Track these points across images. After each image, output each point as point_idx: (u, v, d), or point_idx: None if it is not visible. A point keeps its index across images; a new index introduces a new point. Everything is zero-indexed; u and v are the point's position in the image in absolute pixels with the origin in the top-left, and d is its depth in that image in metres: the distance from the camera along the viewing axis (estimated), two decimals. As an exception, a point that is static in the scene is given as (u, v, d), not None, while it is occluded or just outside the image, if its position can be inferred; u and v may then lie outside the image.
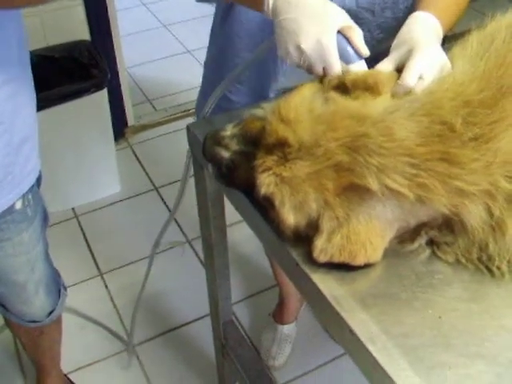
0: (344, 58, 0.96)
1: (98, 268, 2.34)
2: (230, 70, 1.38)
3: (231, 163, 0.95)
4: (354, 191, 0.84)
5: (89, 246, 2.42)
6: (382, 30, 1.29)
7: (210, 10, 3.99)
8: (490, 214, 0.84)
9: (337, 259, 0.86)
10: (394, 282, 0.88)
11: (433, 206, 0.84)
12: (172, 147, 2.82)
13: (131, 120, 2.89)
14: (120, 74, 2.69)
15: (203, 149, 0.99)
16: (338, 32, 0.96)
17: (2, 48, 1.07)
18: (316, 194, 0.85)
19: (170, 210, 2.53)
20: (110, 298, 2.24)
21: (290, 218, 0.87)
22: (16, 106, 1.16)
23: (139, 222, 2.50)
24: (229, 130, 0.97)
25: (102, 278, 2.31)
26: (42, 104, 2.09)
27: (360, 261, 0.87)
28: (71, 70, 2.29)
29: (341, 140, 0.84)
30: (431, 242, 0.91)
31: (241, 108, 1.24)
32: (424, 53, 0.94)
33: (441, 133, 0.82)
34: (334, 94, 0.91)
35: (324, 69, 0.96)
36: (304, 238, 0.89)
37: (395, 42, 0.99)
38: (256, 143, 0.91)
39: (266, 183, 0.87)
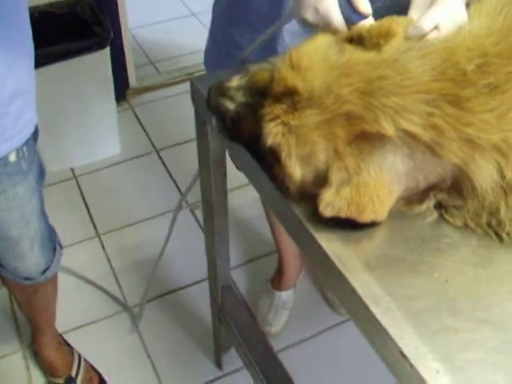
0: (348, 19, 0.94)
1: (95, 229, 2.32)
2: (243, 18, 1.35)
3: (236, 115, 0.92)
4: (366, 140, 0.80)
5: (87, 206, 2.40)
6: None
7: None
8: (502, 175, 0.81)
9: (344, 213, 0.82)
10: (400, 244, 0.85)
11: (444, 156, 0.80)
12: (174, 110, 2.77)
13: (133, 81, 2.85)
14: (123, 34, 2.63)
15: (207, 100, 0.95)
16: None
17: None
18: (326, 144, 0.81)
19: (169, 173, 2.50)
20: (107, 259, 2.22)
21: (297, 171, 0.83)
22: (10, 57, 1.12)
23: (138, 185, 2.47)
24: (235, 81, 0.93)
25: (100, 239, 2.28)
26: (43, 61, 2.06)
27: (367, 216, 0.83)
28: (73, 28, 2.24)
29: (354, 85, 0.80)
30: (439, 205, 0.88)
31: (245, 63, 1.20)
32: (445, 4, 0.91)
33: (454, 77, 0.79)
34: (348, 46, 0.88)
35: (332, 31, 0.94)
36: (309, 195, 0.86)
37: None
38: (263, 94, 0.87)
39: (273, 133, 0.83)
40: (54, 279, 1.65)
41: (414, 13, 0.95)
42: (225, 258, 1.51)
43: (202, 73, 2.92)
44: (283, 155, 0.83)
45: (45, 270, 1.53)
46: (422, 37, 0.88)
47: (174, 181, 2.47)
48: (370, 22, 0.94)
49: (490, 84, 0.78)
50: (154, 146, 2.62)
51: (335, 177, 0.82)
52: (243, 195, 2.16)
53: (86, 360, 1.90)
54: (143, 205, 2.38)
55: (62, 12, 2.25)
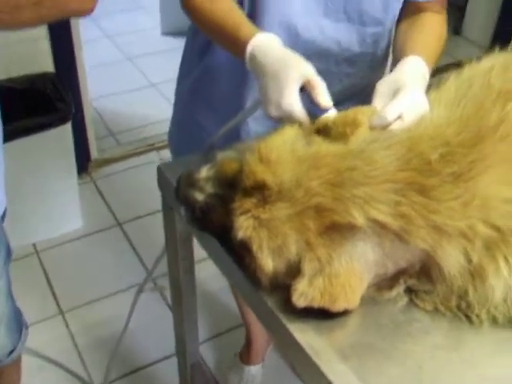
0: (311, 114, 0.97)
1: (58, 306, 2.26)
2: (207, 101, 1.38)
3: (206, 206, 0.93)
4: (337, 230, 0.82)
5: (49, 283, 2.34)
6: (349, 64, 1.31)
7: (174, 43, 4.01)
8: (469, 259, 0.83)
9: (317, 303, 0.83)
10: (373, 330, 0.86)
11: (412, 243, 0.82)
12: (136, 182, 2.77)
13: (94, 154, 2.85)
14: (84, 107, 2.64)
15: (176, 190, 0.96)
16: (302, 88, 0.99)
17: None
18: (297, 236, 0.83)
19: (133, 247, 2.48)
20: (71, 337, 2.16)
21: (269, 263, 0.84)
22: None
23: (102, 259, 2.44)
24: (204, 172, 0.95)
25: (63, 316, 2.23)
26: (4, 137, 2.04)
27: (340, 305, 0.84)
28: (35, 103, 2.24)
29: (324, 177, 0.83)
30: (409, 290, 0.90)
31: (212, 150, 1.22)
32: (408, 94, 0.96)
33: (418, 166, 0.82)
34: (316, 138, 0.90)
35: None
36: (280, 286, 0.87)
37: (383, 81, 1.02)
38: (232, 186, 0.89)
39: (243, 226, 0.84)
40: (18, 360, 1.59)
41: (377, 102, 0.98)
42: (194, 336, 1.50)
43: (164, 143, 2.99)
44: (254, 248, 0.84)
45: (11, 352, 1.47)
46: (386, 126, 0.91)
47: (138, 255, 2.45)
48: (332, 113, 0.97)
49: (454, 173, 0.81)
50: (116, 219, 2.60)
51: (307, 267, 0.83)
52: (208, 268, 2.14)
53: None
54: (107, 280, 2.34)
55: (23, 87, 2.25)
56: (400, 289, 0.89)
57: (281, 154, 0.87)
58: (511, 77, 0.93)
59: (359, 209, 0.81)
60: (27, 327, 1.53)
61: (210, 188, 0.92)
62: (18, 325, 1.48)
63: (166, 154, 2.98)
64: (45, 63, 2.40)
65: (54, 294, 2.30)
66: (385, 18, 1.26)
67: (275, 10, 1.21)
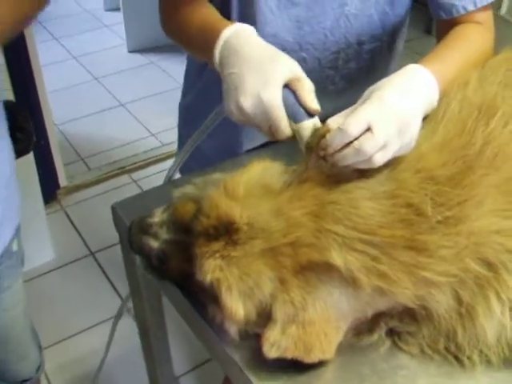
0: (292, 116, 0.83)
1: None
2: (199, 119, 1.28)
3: (162, 254, 0.84)
4: (313, 271, 0.74)
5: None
6: (347, 81, 1.22)
7: (142, 60, 3.92)
8: (459, 300, 0.76)
9: (290, 354, 0.75)
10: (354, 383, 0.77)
11: (394, 300, 0.74)
12: (108, 208, 2.66)
13: (63, 181, 2.74)
14: (48, 132, 2.54)
15: (129, 239, 0.87)
16: (286, 86, 0.84)
17: None
18: (270, 273, 0.74)
19: (107, 276, 2.37)
20: (46, 378, 2.05)
21: (239, 308, 0.75)
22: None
23: (76, 292, 2.33)
24: (157, 217, 0.85)
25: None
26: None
27: (315, 356, 0.75)
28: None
29: (308, 208, 0.75)
30: (391, 332, 0.81)
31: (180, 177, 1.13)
32: (378, 99, 0.77)
33: (406, 217, 0.74)
34: (291, 168, 0.82)
35: (270, 127, 0.84)
36: (250, 335, 0.78)
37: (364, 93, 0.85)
38: (190, 230, 0.80)
39: (210, 268, 0.75)
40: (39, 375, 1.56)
41: (342, 114, 0.82)
42: (168, 376, 1.40)
43: (136, 165, 2.89)
44: (223, 290, 0.75)
45: (38, 367, 1.46)
46: (350, 142, 0.75)
47: (113, 284, 2.34)
48: (314, 122, 0.83)
49: (444, 217, 0.74)
50: (89, 248, 2.50)
51: (280, 312, 0.75)
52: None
53: None
54: (82, 313, 2.24)
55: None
56: (381, 332, 0.81)
57: (250, 188, 0.78)
58: (489, 90, 0.85)
59: (338, 249, 0.73)
60: None
61: (164, 234, 0.84)
62: (38, 339, 1.48)
63: (138, 176, 2.89)
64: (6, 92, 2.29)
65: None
66: (382, 34, 1.18)
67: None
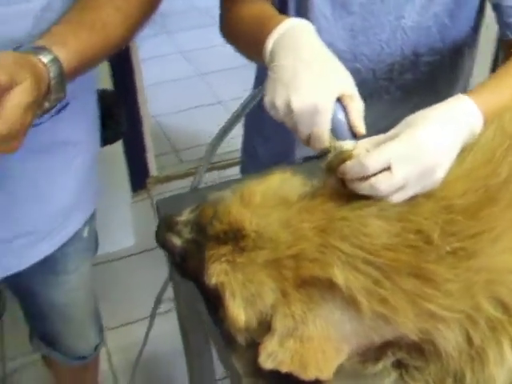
0: (335, 131, 0.80)
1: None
2: (259, 128, 1.31)
3: (183, 252, 0.85)
4: (315, 287, 0.73)
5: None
6: (403, 92, 1.18)
7: (245, 61, 3.95)
8: (470, 342, 0.72)
9: (286, 367, 0.73)
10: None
11: (397, 328, 0.71)
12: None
13: (154, 170, 2.84)
14: (144, 123, 2.64)
15: (156, 234, 0.89)
16: (337, 99, 0.80)
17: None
18: (273, 285, 0.74)
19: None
20: (108, 356, 2.14)
21: (241, 314, 0.75)
22: (89, 128, 1.18)
23: (150, 278, 2.39)
24: (184, 216, 0.87)
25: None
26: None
27: (311, 373, 0.74)
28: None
29: (316, 222, 0.74)
30: (399, 364, 0.78)
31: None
32: (408, 140, 0.73)
33: (414, 243, 0.71)
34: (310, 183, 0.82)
35: (310, 134, 0.80)
36: (253, 344, 0.78)
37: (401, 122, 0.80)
38: (205, 232, 0.81)
39: (216, 271, 0.76)
40: (99, 356, 1.66)
41: (375, 139, 0.78)
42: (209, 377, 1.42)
43: (225, 162, 2.94)
44: (227, 295, 0.76)
45: (97, 346, 1.54)
46: (364, 177, 0.73)
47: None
48: (354, 144, 0.79)
49: (454, 249, 0.70)
50: (167, 238, 2.58)
51: (280, 324, 0.74)
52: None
53: None
54: (152, 300, 2.31)
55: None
56: (387, 362, 0.78)
57: (265, 198, 0.79)
58: None
59: (341, 266, 0.71)
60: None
61: (187, 233, 0.85)
62: (99, 320, 1.54)
63: (228, 173, 2.94)
64: (105, 80, 2.41)
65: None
66: (442, 48, 1.14)
67: None
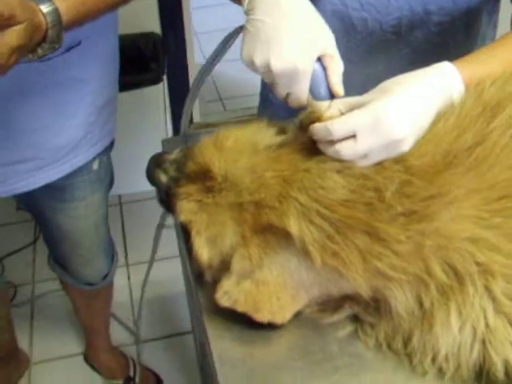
0: (314, 91, 0.81)
1: (126, 258, 2.34)
2: None
3: (168, 189, 0.89)
4: (273, 234, 0.75)
5: (124, 235, 2.43)
6: (413, 50, 1.14)
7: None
8: (420, 303, 0.73)
9: (240, 307, 0.77)
10: (297, 356, 0.78)
11: (348, 283, 0.74)
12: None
13: (197, 117, 2.87)
14: (190, 70, 2.67)
15: (146, 169, 0.93)
16: (318, 59, 0.80)
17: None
18: (234, 227, 0.77)
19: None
20: (130, 289, 2.23)
21: (205, 252, 0.79)
22: (103, 68, 1.19)
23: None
24: (174, 154, 0.91)
25: (128, 268, 2.31)
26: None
27: (264, 316, 0.77)
28: (133, 61, 2.30)
29: (280, 171, 0.76)
30: (356, 319, 0.81)
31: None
32: (377, 111, 0.72)
33: (369, 200, 0.72)
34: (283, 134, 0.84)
35: (289, 93, 0.81)
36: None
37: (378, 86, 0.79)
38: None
39: (185, 210, 0.80)
40: (111, 284, 1.73)
41: (348, 102, 0.77)
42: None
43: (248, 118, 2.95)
44: (193, 233, 0.80)
45: (105, 276, 1.61)
46: (330, 140, 0.74)
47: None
48: (326, 104, 0.79)
49: (406, 210, 0.70)
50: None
51: (237, 264, 0.77)
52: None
53: (139, 363, 1.95)
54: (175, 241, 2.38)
55: (124, 44, 2.31)
56: (343, 314, 0.80)
57: (238, 143, 0.81)
58: (507, 89, 0.77)
59: (296, 217, 0.73)
60: (117, 253, 1.68)
61: (172, 171, 0.89)
62: (111, 250, 1.63)
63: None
64: (153, 24, 2.45)
65: (125, 246, 2.39)
66: (452, 9, 1.10)
67: (328, 1, 1.11)
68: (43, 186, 1.23)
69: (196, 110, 2.87)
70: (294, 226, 0.72)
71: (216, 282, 0.81)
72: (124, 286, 2.24)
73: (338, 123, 0.73)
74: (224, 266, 0.78)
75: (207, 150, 0.80)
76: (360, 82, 0.88)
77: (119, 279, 2.23)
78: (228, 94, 3.12)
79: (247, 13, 0.82)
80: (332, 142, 0.74)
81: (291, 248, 0.75)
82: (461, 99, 0.76)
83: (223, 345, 0.78)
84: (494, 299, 0.70)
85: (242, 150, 0.79)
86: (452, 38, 1.13)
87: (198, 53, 2.75)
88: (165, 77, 2.45)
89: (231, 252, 0.77)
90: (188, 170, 0.82)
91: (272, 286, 0.76)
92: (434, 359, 0.74)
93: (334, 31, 0.85)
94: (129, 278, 2.27)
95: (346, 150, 0.73)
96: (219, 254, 0.78)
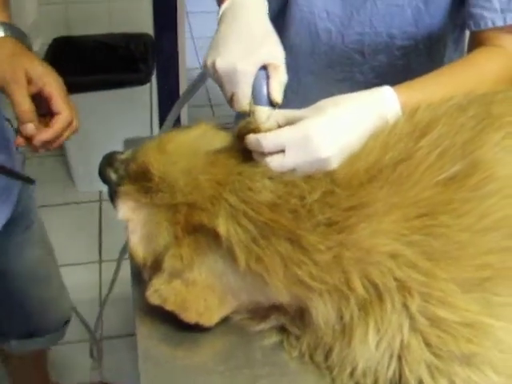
0: (255, 97, 0.85)
1: (100, 254, 2.36)
2: None
3: (116, 187, 0.91)
4: (203, 235, 0.78)
5: (100, 231, 2.45)
6: (377, 75, 1.18)
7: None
8: (340, 316, 0.75)
9: (169, 306, 0.79)
10: (219, 361, 0.80)
11: (270, 289, 0.75)
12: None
13: (185, 121, 2.90)
14: (180, 73, 2.70)
15: (99, 167, 0.95)
16: (264, 68, 0.85)
17: None
18: (168, 227, 0.80)
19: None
20: (99, 286, 2.24)
21: (139, 250, 0.82)
22: None
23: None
24: (125, 154, 0.93)
25: (100, 265, 2.32)
26: (83, 87, 2.17)
27: (191, 316, 0.79)
28: (122, 60, 2.34)
29: (214, 175, 0.78)
30: (283, 329, 0.82)
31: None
32: (307, 129, 0.76)
33: (294, 207, 0.74)
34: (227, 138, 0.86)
35: (232, 95, 0.86)
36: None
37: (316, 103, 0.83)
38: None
39: (124, 208, 0.83)
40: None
41: (286, 115, 0.81)
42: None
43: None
44: (129, 231, 0.83)
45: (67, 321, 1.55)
46: (260, 153, 0.78)
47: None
48: (270, 111, 0.83)
49: (327, 220, 0.72)
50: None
51: (168, 263, 0.79)
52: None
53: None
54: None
55: (116, 44, 2.35)
56: (270, 324, 0.82)
57: (180, 147, 0.84)
58: (440, 109, 0.79)
59: (225, 217, 0.75)
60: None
61: (122, 170, 0.91)
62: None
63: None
64: (146, 25, 2.48)
65: (100, 243, 2.40)
66: (415, 33, 1.13)
67: (297, 8, 1.15)
68: None
69: (184, 115, 2.89)
70: (222, 226, 0.74)
71: (151, 280, 0.84)
72: (94, 282, 2.25)
73: (269, 137, 0.77)
74: (157, 265, 0.81)
75: (149, 151, 0.83)
76: (319, 96, 0.91)
77: (90, 276, 2.27)
78: (218, 101, 3.14)
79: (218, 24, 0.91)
80: (263, 154, 0.77)
81: (220, 250, 0.77)
82: (394, 120, 0.78)
83: (150, 342, 0.80)
84: (410, 317, 0.71)
85: (182, 153, 0.82)
86: (416, 64, 1.16)
87: (193, 57, 2.77)
88: (154, 78, 2.49)
89: (164, 251, 0.79)
90: (130, 170, 0.84)
91: (200, 288, 0.78)
92: (351, 374, 0.76)
93: (301, 39, 0.90)
94: (100, 275, 2.28)
95: (274, 163, 0.77)
96: (153, 252, 0.80)
